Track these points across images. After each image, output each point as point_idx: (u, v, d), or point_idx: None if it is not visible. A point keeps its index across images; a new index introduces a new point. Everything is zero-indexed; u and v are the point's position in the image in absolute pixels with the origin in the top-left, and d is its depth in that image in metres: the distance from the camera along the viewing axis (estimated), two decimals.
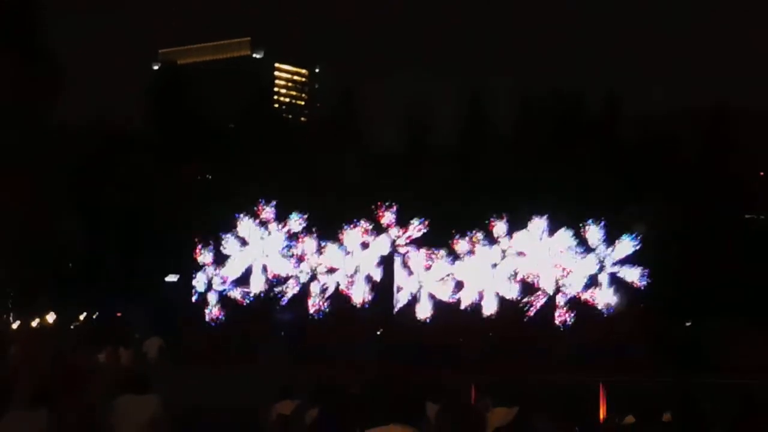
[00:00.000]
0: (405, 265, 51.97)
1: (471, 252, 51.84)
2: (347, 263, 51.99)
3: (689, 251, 54.38)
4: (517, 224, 52.19)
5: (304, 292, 52.59)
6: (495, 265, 51.79)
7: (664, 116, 68.04)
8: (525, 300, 51.31)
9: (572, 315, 51.17)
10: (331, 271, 52.37)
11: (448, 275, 51.89)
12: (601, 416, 20.49)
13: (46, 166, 45.24)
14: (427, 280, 51.85)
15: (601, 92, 65.24)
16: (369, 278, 52.14)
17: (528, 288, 51.97)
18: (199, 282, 53.08)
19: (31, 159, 43.91)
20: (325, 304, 52.15)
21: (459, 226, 52.59)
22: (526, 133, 62.16)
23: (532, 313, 51.46)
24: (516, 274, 51.73)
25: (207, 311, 52.54)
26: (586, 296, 51.20)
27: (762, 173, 66.54)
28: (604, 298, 51.05)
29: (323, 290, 52.41)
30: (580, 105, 63.65)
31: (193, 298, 53.12)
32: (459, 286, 52.09)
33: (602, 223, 51.65)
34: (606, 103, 63.83)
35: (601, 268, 51.54)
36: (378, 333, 51.31)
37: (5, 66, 43.61)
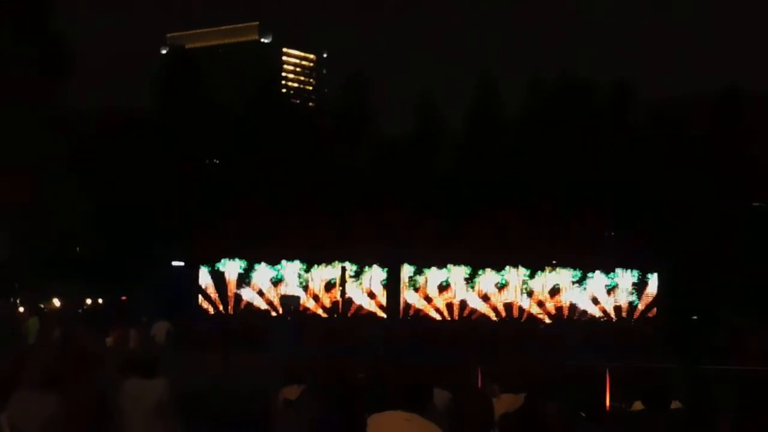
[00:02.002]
0: (412, 261, 51.91)
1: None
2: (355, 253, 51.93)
3: (696, 242, 54.28)
4: (524, 212, 52.18)
5: (311, 280, 52.58)
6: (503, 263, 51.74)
7: (673, 102, 67.72)
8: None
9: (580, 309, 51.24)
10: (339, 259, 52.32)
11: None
12: (608, 403, 20.50)
13: (53, 150, 45.26)
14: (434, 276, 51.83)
15: (607, 80, 64.81)
16: (376, 272, 52.12)
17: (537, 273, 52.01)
18: (204, 267, 53.10)
19: (38, 144, 43.94)
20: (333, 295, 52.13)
21: (466, 214, 52.60)
22: (534, 118, 61.96)
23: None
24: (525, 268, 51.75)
25: (211, 295, 52.59)
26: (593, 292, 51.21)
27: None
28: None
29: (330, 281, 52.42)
30: (589, 91, 63.34)
31: (199, 284, 53.14)
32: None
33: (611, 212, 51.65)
34: (616, 89, 63.51)
35: (611, 256, 51.54)
36: (384, 316, 51.31)
37: (15, 51, 43.63)
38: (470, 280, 51.70)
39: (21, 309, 48.95)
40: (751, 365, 29.56)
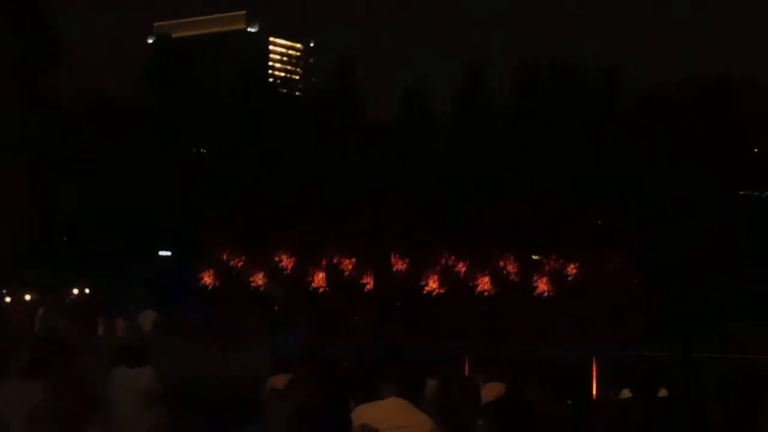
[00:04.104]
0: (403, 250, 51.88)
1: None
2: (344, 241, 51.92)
3: (692, 231, 54.18)
4: (517, 199, 52.09)
5: (301, 269, 52.54)
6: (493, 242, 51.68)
7: (665, 87, 67.34)
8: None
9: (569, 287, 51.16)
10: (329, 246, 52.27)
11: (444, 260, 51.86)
12: (594, 391, 20.55)
13: (40, 139, 45.12)
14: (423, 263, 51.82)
15: (601, 65, 64.30)
16: (368, 257, 52.09)
17: (528, 263, 51.95)
18: (192, 255, 53.05)
19: (25, 133, 43.80)
20: (323, 281, 52.12)
21: (459, 202, 52.55)
22: (525, 104, 61.65)
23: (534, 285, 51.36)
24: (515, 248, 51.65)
25: (199, 282, 52.56)
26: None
27: (756, 149, 66.19)
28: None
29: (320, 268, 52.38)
30: (581, 76, 62.85)
31: (187, 273, 53.10)
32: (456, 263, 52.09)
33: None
34: (607, 75, 63.06)
35: (604, 244, 51.50)
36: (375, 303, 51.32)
37: (5, 42, 43.52)
38: (462, 267, 51.79)
39: (8, 299, 48.84)
40: (745, 353, 29.64)
